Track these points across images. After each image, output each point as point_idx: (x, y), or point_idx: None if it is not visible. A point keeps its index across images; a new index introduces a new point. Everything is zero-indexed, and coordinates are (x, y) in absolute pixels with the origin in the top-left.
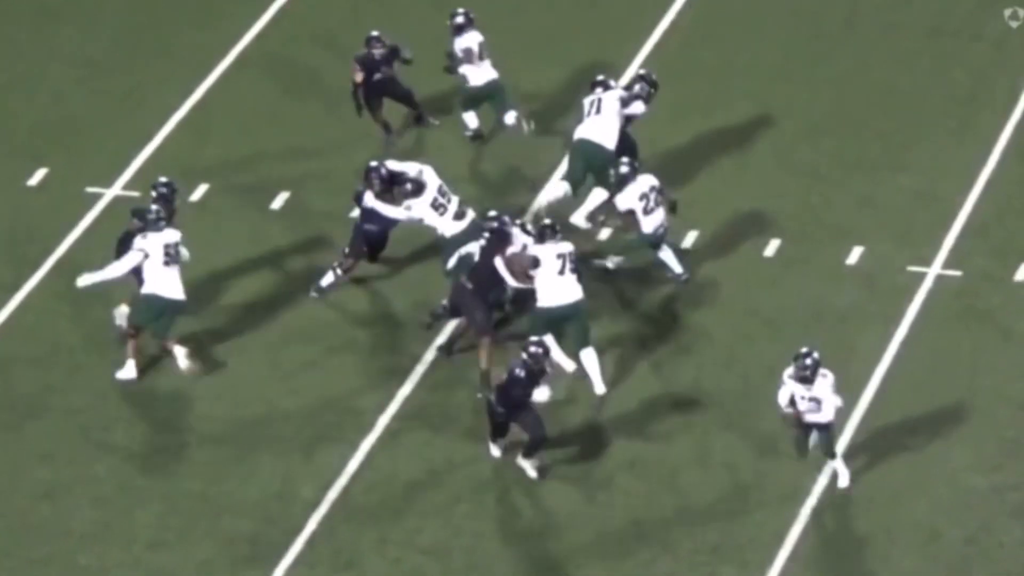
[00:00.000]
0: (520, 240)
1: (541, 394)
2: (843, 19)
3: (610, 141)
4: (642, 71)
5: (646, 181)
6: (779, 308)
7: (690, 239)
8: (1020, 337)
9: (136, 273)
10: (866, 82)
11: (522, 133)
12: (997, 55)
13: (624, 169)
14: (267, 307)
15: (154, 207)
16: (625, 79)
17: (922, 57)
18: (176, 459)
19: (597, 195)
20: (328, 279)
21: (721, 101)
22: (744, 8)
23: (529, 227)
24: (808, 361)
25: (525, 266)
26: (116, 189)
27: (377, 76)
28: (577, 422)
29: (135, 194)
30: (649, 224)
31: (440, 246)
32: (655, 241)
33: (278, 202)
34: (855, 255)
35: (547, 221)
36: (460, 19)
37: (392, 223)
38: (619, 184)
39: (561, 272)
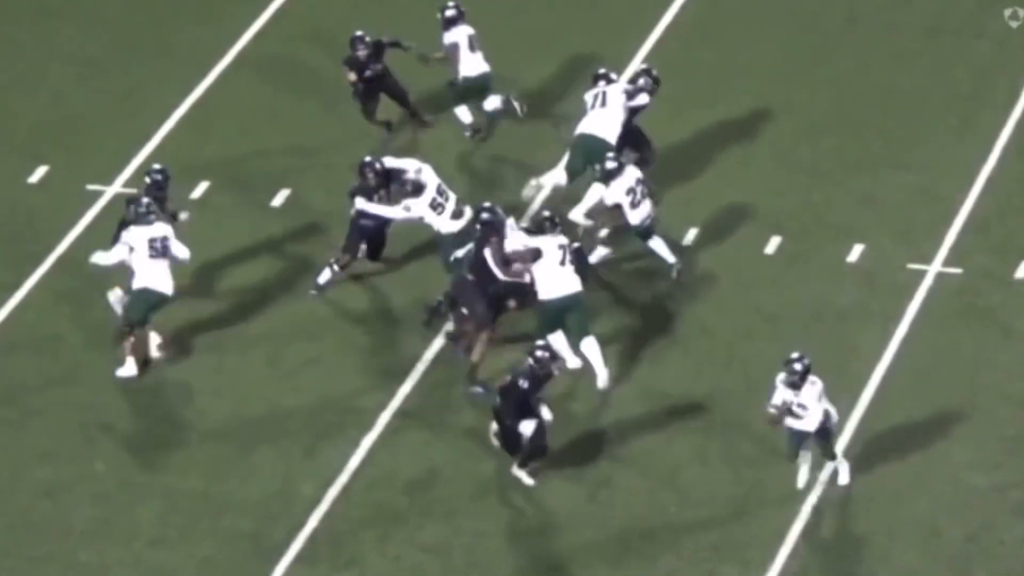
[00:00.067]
0: (515, 234)
1: (527, 427)
2: (844, 18)
3: (612, 135)
4: (644, 66)
5: (632, 174)
6: (780, 306)
7: (690, 236)
8: (1021, 335)
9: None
10: (867, 80)
11: (516, 115)
12: (998, 54)
13: (610, 164)
14: (268, 304)
15: (144, 200)
16: (626, 77)
17: (922, 56)
18: (177, 457)
19: (596, 191)
20: (325, 276)
21: (722, 100)
22: (744, 7)
23: (529, 227)
24: (797, 367)
25: (528, 260)
26: (116, 187)
27: (367, 74)
28: (577, 421)
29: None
30: (636, 216)
31: (438, 243)
32: (644, 232)
33: (278, 199)
34: (856, 253)
35: (546, 213)
36: (451, 12)
37: (388, 219)
38: (605, 179)
39: (562, 263)
